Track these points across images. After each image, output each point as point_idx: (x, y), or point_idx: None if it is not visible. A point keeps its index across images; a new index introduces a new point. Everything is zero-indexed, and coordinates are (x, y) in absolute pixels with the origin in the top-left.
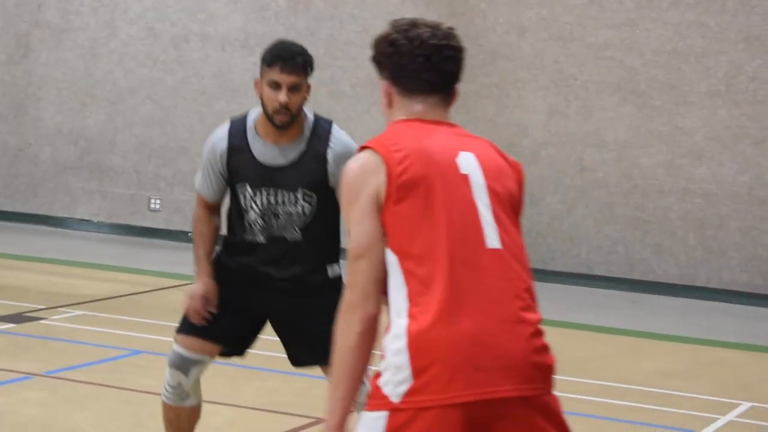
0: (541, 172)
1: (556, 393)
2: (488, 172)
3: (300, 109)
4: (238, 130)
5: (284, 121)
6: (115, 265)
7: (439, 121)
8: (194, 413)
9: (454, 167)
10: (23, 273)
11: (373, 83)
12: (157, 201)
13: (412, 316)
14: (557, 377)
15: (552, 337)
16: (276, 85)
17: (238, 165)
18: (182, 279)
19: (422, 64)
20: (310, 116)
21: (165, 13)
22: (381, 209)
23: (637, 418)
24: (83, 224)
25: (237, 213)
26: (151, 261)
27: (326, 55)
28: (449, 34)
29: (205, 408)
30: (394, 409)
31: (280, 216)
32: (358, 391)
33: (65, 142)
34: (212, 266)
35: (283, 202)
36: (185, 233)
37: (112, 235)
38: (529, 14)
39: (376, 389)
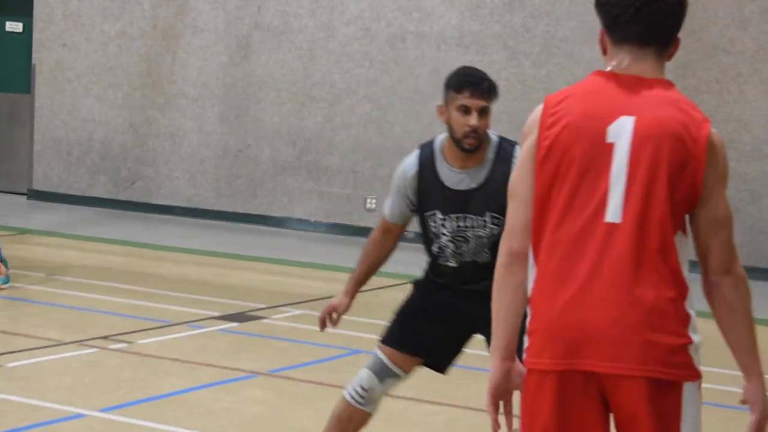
0: (764, 168)
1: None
2: (641, 141)
3: (486, 133)
4: (427, 157)
5: (473, 144)
6: (333, 265)
7: (637, 77)
8: (366, 420)
9: (602, 135)
10: (244, 272)
11: None
12: (373, 201)
13: (534, 279)
14: None
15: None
16: (466, 110)
17: (427, 190)
18: (400, 278)
19: (632, 15)
20: (494, 138)
21: (381, 12)
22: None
23: None
24: (301, 224)
25: (428, 239)
26: None
27: (542, 51)
28: None
29: (426, 408)
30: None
31: (470, 240)
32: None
33: (284, 142)
34: (414, 285)
35: (473, 227)
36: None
37: (330, 234)
38: (751, 7)
39: None
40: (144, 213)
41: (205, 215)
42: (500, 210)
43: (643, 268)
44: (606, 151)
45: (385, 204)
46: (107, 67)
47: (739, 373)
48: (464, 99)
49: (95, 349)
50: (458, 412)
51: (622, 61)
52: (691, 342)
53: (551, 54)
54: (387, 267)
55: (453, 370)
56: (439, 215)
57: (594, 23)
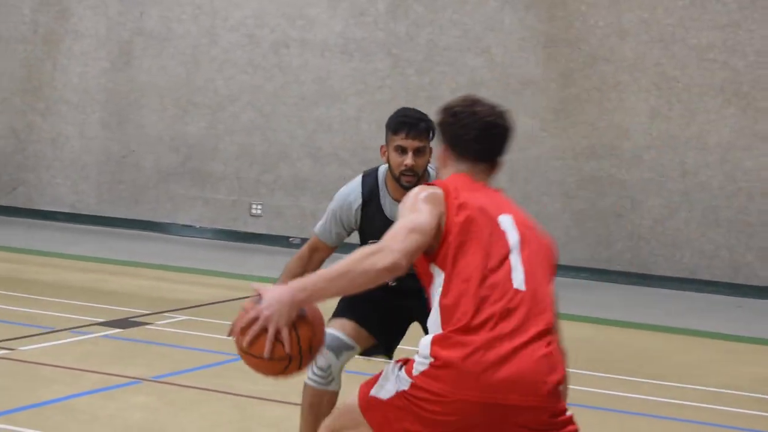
0: (643, 175)
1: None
2: (523, 233)
3: (424, 170)
4: (370, 188)
5: (410, 181)
6: (217, 270)
7: (483, 184)
8: (334, 399)
9: (496, 222)
10: (128, 278)
11: (472, 87)
12: (259, 206)
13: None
14: (662, 382)
15: (654, 342)
16: (402, 150)
17: (369, 219)
18: None
19: (476, 136)
20: (433, 173)
21: (265, 19)
22: (439, 231)
23: (742, 424)
24: (186, 230)
25: None
26: (253, 266)
27: (426, 60)
28: (503, 114)
29: None
30: None
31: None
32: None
33: (167, 149)
34: None
35: None
36: (286, 238)
37: (215, 240)
38: (629, 16)
39: None
40: (26, 219)
41: (88, 221)
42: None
43: (545, 323)
44: (501, 236)
45: (319, 224)
46: None
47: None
48: (400, 140)
49: None
50: None
51: (462, 170)
52: None
53: (434, 62)
54: (268, 272)
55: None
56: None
57: (477, 32)
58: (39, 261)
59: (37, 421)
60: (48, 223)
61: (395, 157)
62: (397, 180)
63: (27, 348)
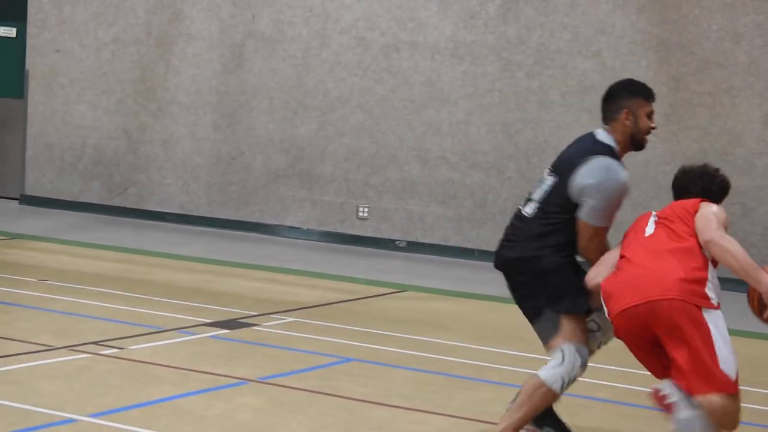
0: (755, 182)
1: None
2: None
3: None
4: (616, 157)
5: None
6: (324, 273)
7: None
8: None
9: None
10: (236, 280)
11: (582, 91)
12: (366, 209)
13: None
14: None
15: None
16: (651, 115)
17: None
18: (390, 287)
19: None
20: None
21: (375, 22)
22: None
23: None
24: (293, 232)
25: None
26: (359, 269)
27: (536, 63)
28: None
29: (417, 416)
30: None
31: None
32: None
33: (277, 150)
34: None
35: None
36: (392, 241)
37: (322, 242)
38: (744, 20)
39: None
40: (136, 219)
41: (197, 222)
42: None
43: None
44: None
45: (599, 216)
46: (100, 73)
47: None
48: (651, 106)
49: (86, 355)
50: (448, 422)
51: None
52: None
53: (544, 66)
54: (375, 275)
55: (443, 380)
56: None
57: (588, 36)
58: (149, 261)
59: (146, 420)
60: (158, 223)
61: (646, 122)
62: (639, 143)
63: (136, 347)
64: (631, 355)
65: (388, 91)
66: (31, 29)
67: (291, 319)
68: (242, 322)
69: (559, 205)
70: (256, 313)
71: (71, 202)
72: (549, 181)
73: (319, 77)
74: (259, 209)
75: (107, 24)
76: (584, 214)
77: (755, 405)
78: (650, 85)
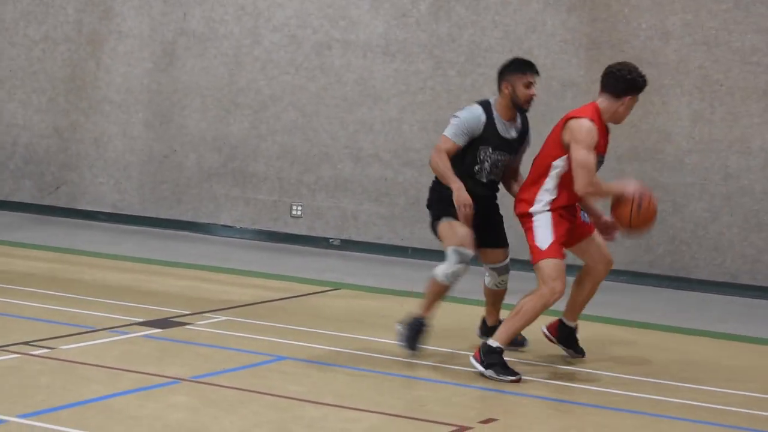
0: (685, 179)
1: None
2: None
3: None
4: (487, 110)
5: (529, 108)
6: (258, 271)
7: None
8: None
9: None
10: (169, 278)
11: None
12: (299, 207)
13: None
14: (703, 387)
15: (697, 347)
16: (530, 85)
17: (487, 132)
18: (325, 285)
19: None
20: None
21: (307, 20)
22: None
23: None
24: (226, 230)
25: (473, 162)
26: (293, 267)
27: (467, 62)
28: None
29: (349, 414)
30: None
31: (499, 167)
32: None
33: (209, 149)
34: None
35: (504, 160)
36: (326, 239)
37: (255, 241)
38: (673, 19)
39: None
40: (68, 218)
41: (129, 221)
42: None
43: None
44: None
45: (450, 132)
46: (31, 71)
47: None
48: (529, 77)
49: (16, 355)
50: (381, 419)
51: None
52: None
53: (476, 64)
54: (309, 274)
55: (377, 377)
56: (490, 150)
57: (519, 34)
58: (80, 260)
59: (77, 420)
60: (90, 222)
61: (523, 90)
62: (521, 105)
63: (67, 347)
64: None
65: (321, 89)
66: None
67: (224, 318)
68: (174, 321)
69: None
70: (188, 312)
71: (1, 201)
72: None
73: (252, 75)
74: (192, 208)
75: (37, 22)
76: (445, 130)
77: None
78: (581, 83)
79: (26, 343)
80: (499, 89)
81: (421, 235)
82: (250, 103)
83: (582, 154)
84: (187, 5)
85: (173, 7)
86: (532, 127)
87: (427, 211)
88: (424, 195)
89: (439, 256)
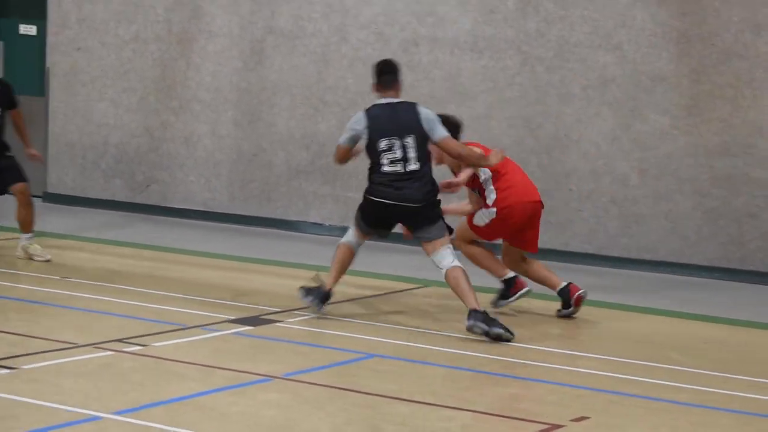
0: None
1: None
2: None
3: None
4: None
5: None
6: (348, 269)
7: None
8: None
9: None
10: (259, 276)
11: (603, 84)
12: None
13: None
14: None
15: None
16: None
17: None
18: (416, 282)
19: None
20: None
21: (395, 17)
22: None
23: None
24: (315, 228)
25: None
26: (384, 264)
27: (556, 57)
28: None
29: (443, 412)
30: None
31: None
32: None
33: (298, 146)
34: None
35: None
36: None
37: None
38: (765, 11)
39: None
40: (159, 216)
41: (219, 219)
42: None
43: None
44: None
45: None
46: (122, 71)
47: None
48: None
49: (110, 352)
50: (474, 417)
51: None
52: None
53: (564, 59)
54: (400, 271)
55: (471, 375)
56: None
57: (608, 29)
58: (171, 258)
59: (170, 417)
60: (180, 220)
61: None
62: None
63: (160, 344)
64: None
65: (409, 87)
66: (51, 27)
67: (314, 316)
68: (265, 319)
69: None
70: (279, 309)
71: (93, 200)
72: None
73: (339, 73)
74: (281, 205)
75: (128, 22)
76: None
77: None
78: (671, 77)
79: (119, 340)
80: (398, 87)
81: None
82: (338, 100)
83: None
84: (275, 4)
85: (261, 5)
86: (622, 123)
87: None
88: None
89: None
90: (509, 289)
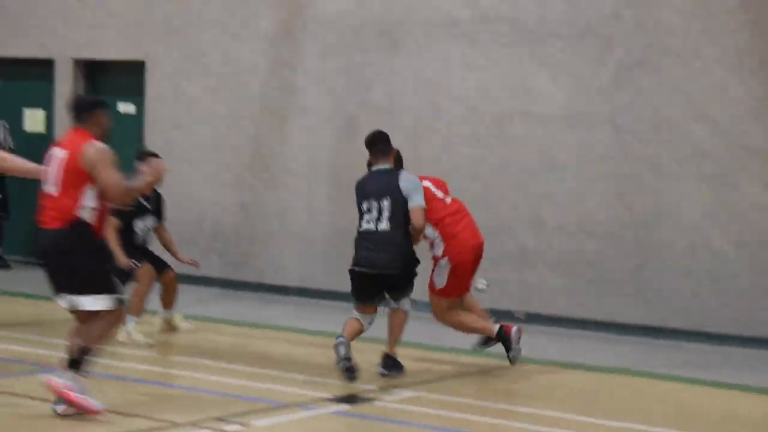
0: None
1: None
2: None
3: None
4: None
5: None
6: (443, 346)
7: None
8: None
9: None
10: (356, 353)
11: (697, 157)
12: (482, 280)
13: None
14: None
15: None
16: None
17: None
18: (506, 360)
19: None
20: None
21: (487, 92)
22: None
23: None
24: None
25: None
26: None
27: (650, 131)
28: None
29: None
30: None
31: None
32: None
33: None
34: None
35: None
36: (510, 312)
37: None
38: None
39: None
40: (255, 292)
41: (316, 295)
42: None
43: None
44: None
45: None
46: (217, 147)
47: None
48: None
49: (210, 431)
50: None
51: None
52: None
53: (659, 132)
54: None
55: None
56: None
57: (702, 101)
58: (268, 335)
59: None
60: (276, 296)
61: None
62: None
63: (260, 423)
64: None
65: (502, 160)
66: (149, 105)
67: (412, 393)
68: (363, 397)
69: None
70: (376, 388)
71: (190, 276)
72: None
73: (432, 147)
74: None
75: (222, 98)
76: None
77: None
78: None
79: (219, 418)
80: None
81: (607, 309)
82: (432, 174)
83: None
84: (368, 79)
85: (355, 81)
86: (717, 195)
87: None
88: (609, 267)
89: (625, 330)
90: (504, 335)
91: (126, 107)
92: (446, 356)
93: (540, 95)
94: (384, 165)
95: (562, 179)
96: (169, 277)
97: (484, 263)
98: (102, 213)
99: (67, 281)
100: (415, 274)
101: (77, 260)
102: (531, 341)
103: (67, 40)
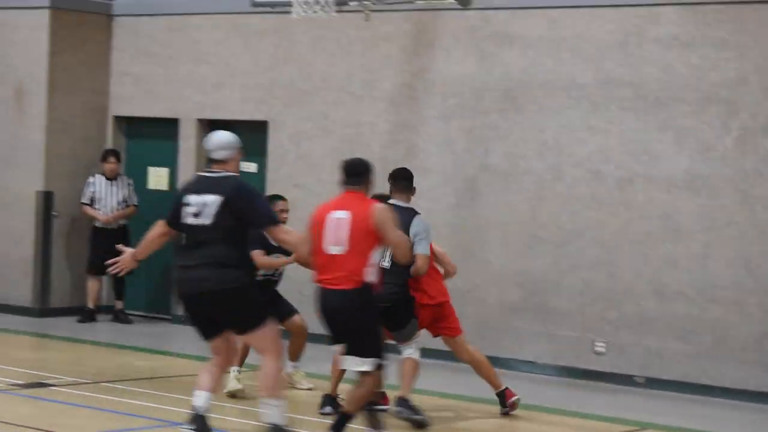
0: None
1: None
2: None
3: None
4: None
5: None
6: (561, 408)
7: None
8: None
9: None
10: (471, 414)
11: None
12: (602, 344)
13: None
14: None
15: None
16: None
17: None
18: (630, 425)
19: None
20: None
21: (610, 155)
22: None
23: None
24: (528, 365)
25: None
26: (597, 405)
27: None
28: None
29: None
30: None
31: None
32: None
33: (511, 284)
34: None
35: None
36: (630, 377)
37: (557, 377)
38: None
39: None
40: None
41: (431, 355)
42: None
43: None
44: None
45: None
46: None
47: None
48: None
49: None
50: None
51: None
52: None
53: None
54: (613, 412)
55: None
56: None
57: None
58: None
59: None
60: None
61: None
62: None
63: None
64: None
65: (623, 225)
66: (271, 164)
67: None
68: None
69: None
70: None
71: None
72: None
73: (553, 210)
74: (494, 342)
75: (344, 159)
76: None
77: None
78: None
79: None
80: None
81: (729, 375)
82: (551, 238)
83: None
84: (489, 141)
85: (476, 143)
86: None
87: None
88: (732, 333)
89: (748, 397)
90: (503, 400)
91: (248, 166)
92: (568, 420)
93: (663, 159)
94: (401, 201)
95: (685, 244)
96: (295, 323)
97: (604, 327)
98: (380, 273)
99: (353, 342)
100: (412, 309)
101: (364, 323)
102: (653, 406)
103: (193, 102)
